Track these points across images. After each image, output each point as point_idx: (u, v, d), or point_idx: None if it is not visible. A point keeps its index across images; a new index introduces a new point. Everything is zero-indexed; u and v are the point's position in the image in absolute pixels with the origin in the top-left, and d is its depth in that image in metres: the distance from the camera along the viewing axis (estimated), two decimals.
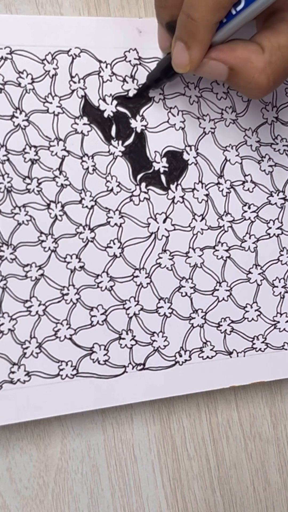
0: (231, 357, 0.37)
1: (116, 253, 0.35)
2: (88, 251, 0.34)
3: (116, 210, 0.35)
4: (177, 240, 0.36)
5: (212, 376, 0.36)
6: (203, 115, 0.37)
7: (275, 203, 0.38)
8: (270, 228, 0.38)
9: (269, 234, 0.38)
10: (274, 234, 0.38)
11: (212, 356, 0.36)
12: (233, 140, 0.37)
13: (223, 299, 0.37)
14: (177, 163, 0.36)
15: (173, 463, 0.37)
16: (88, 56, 0.34)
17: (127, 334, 0.35)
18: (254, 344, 0.37)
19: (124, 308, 0.35)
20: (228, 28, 0.29)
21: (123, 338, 0.35)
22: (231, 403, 0.39)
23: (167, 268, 0.36)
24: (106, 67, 0.35)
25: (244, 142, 0.38)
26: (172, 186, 0.36)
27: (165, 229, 0.36)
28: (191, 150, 0.36)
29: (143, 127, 0.35)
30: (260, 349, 0.37)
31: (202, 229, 0.36)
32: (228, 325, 0.37)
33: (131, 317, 0.35)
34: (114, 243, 0.35)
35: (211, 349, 0.36)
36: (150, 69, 0.35)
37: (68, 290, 0.34)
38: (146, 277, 0.35)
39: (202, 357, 0.36)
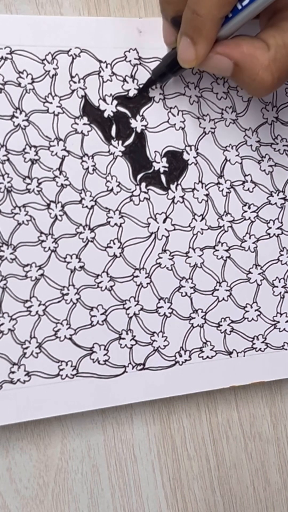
0: (231, 357, 0.37)
1: (116, 253, 0.35)
2: (88, 251, 0.34)
3: (116, 210, 0.35)
4: (177, 240, 0.36)
5: (212, 376, 0.36)
6: (203, 115, 0.37)
7: (275, 203, 0.38)
8: (270, 228, 0.38)
9: (269, 234, 0.38)
10: (274, 234, 0.38)
11: (212, 356, 0.36)
12: (233, 140, 0.37)
13: (223, 299, 0.37)
14: (177, 163, 0.36)
15: (173, 463, 0.37)
16: (88, 56, 0.34)
17: (127, 334, 0.35)
18: (254, 344, 0.37)
19: (124, 308, 0.35)
20: (234, 23, 0.30)
21: (123, 338, 0.35)
22: (231, 403, 0.39)
23: (167, 268, 0.36)
24: (106, 67, 0.35)
25: (244, 142, 0.38)
26: (172, 186, 0.36)
27: (165, 229, 0.36)
28: (191, 150, 0.36)
29: (143, 127, 0.35)
30: (260, 349, 0.37)
31: (202, 229, 0.36)
32: (228, 325, 0.37)
33: (131, 317, 0.35)
34: (114, 243, 0.35)
35: (211, 349, 0.36)
36: (150, 69, 0.35)
37: (68, 290, 0.34)
38: (146, 277, 0.35)
39: (202, 357, 0.36)
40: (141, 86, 0.35)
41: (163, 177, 0.36)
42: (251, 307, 0.37)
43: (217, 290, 0.37)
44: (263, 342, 0.37)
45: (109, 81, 0.35)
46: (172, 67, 0.33)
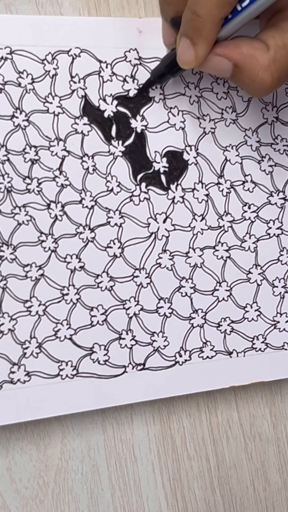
0: (231, 357, 0.37)
1: (116, 253, 0.35)
2: (88, 251, 0.34)
3: (116, 210, 0.35)
4: (177, 240, 0.36)
5: (212, 376, 0.36)
6: (203, 115, 0.37)
7: (275, 203, 0.38)
8: (270, 228, 0.38)
9: (269, 234, 0.38)
10: (274, 234, 0.38)
11: (212, 356, 0.36)
12: (233, 140, 0.37)
13: (223, 299, 0.37)
14: (177, 163, 0.36)
15: (173, 463, 0.37)
16: (88, 56, 0.34)
17: (127, 334, 0.35)
18: (254, 344, 0.37)
19: (124, 308, 0.35)
20: (233, 24, 0.30)
21: (123, 338, 0.35)
22: (231, 403, 0.39)
23: (167, 268, 0.36)
24: (107, 67, 0.35)
25: (244, 142, 0.38)
26: (172, 186, 0.36)
27: (165, 229, 0.36)
28: (191, 150, 0.36)
29: (143, 127, 0.35)
30: (260, 349, 0.37)
31: (202, 229, 0.36)
32: (228, 325, 0.37)
33: (131, 317, 0.35)
34: (114, 243, 0.35)
35: (211, 349, 0.36)
36: (150, 69, 0.35)
37: (68, 290, 0.34)
38: (146, 277, 0.35)
39: (202, 357, 0.36)
40: (141, 86, 0.35)
41: (163, 177, 0.36)
42: (251, 307, 0.37)
43: (217, 290, 0.37)
44: (263, 342, 0.37)
45: (109, 81, 0.35)
46: (171, 68, 0.33)
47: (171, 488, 0.37)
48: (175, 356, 0.35)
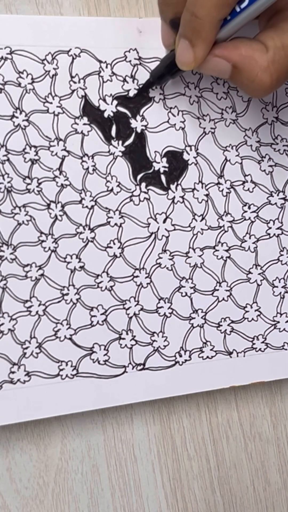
0: (231, 357, 0.37)
1: (116, 253, 0.35)
2: (88, 251, 0.34)
3: (116, 210, 0.35)
4: (177, 240, 0.36)
5: (212, 376, 0.36)
6: (203, 115, 0.37)
7: (275, 203, 0.38)
8: (270, 228, 0.38)
9: (269, 234, 0.38)
10: (274, 234, 0.38)
11: (212, 356, 0.36)
12: (233, 140, 0.37)
13: (223, 299, 0.37)
14: (177, 163, 0.36)
15: (173, 463, 0.37)
16: (88, 56, 0.34)
17: (127, 334, 0.35)
18: (254, 344, 0.37)
19: (124, 308, 0.35)
20: (232, 25, 0.29)
21: (123, 338, 0.35)
22: (231, 403, 0.39)
23: (167, 268, 0.36)
24: (106, 67, 0.35)
25: (244, 142, 0.38)
26: (172, 186, 0.36)
27: (165, 229, 0.36)
28: (191, 150, 0.36)
29: (143, 127, 0.35)
30: (260, 349, 0.37)
31: (202, 229, 0.36)
32: (228, 325, 0.37)
33: (131, 317, 0.35)
34: (114, 243, 0.35)
35: (211, 349, 0.36)
36: (150, 69, 0.35)
37: (68, 290, 0.34)
38: (146, 277, 0.35)
39: (202, 357, 0.36)
40: (140, 87, 0.35)
41: (163, 177, 0.36)
42: (251, 307, 0.37)
43: (217, 290, 0.37)
44: (263, 342, 0.37)
45: (109, 81, 0.35)
46: (170, 69, 0.33)
47: (171, 488, 0.37)
48: (175, 356, 0.35)
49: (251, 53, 0.30)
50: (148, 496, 0.37)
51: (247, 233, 0.37)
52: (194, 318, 0.36)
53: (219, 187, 0.37)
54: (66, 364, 0.33)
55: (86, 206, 0.34)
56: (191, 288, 0.36)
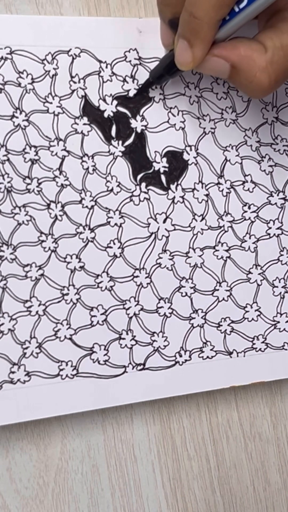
0: (231, 357, 0.37)
1: (116, 253, 0.35)
2: (88, 251, 0.34)
3: (116, 210, 0.35)
4: (177, 240, 0.36)
5: (212, 376, 0.36)
6: (203, 115, 0.37)
7: (275, 203, 0.38)
8: (270, 228, 0.38)
9: (269, 234, 0.38)
10: (274, 234, 0.38)
11: (212, 356, 0.36)
12: (233, 140, 0.37)
13: (223, 299, 0.37)
14: (177, 163, 0.36)
15: (173, 463, 0.37)
16: (88, 56, 0.34)
17: (127, 334, 0.35)
18: (254, 344, 0.37)
19: (124, 308, 0.35)
20: (231, 26, 0.29)
21: (123, 338, 0.35)
22: (231, 403, 0.39)
23: (167, 268, 0.36)
24: (106, 67, 0.35)
25: (244, 142, 0.38)
26: (172, 186, 0.36)
27: (165, 229, 0.36)
28: (191, 150, 0.36)
29: (143, 127, 0.35)
30: (260, 349, 0.37)
31: (202, 229, 0.36)
32: (228, 325, 0.37)
33: (131, 317, 0.35)
34: (114, 243, 0.35)
35: (211, 349, 0.36)
36: (150, 69, 0.35)
37: (68, 290, 0.34)
38: (146, 277, 0.35)
39: (202, 357, 0.36)
40: (140, 87, 0.35)
41: (163, 177, 0.36)
42: (251, 307, 0.37)
43: (217, 290, 0.37)
44: (263, 342, 0.37)
45: (109, 81, 0.35)
46: (169, 69, 0.33)
47: (171, 488, 0.37)
48: (175, 356, 0.35)
49: (250, 53, 0.30)
50: (148, 496, 0.37)
51: (247, 233, 0.37)
52: (194, 318, 0.36)
53: (219, 187, 0.37)
54: (66, 364, 0.33)
55: (86, 206, 0.34)
56: (191, 288, 0.36)
